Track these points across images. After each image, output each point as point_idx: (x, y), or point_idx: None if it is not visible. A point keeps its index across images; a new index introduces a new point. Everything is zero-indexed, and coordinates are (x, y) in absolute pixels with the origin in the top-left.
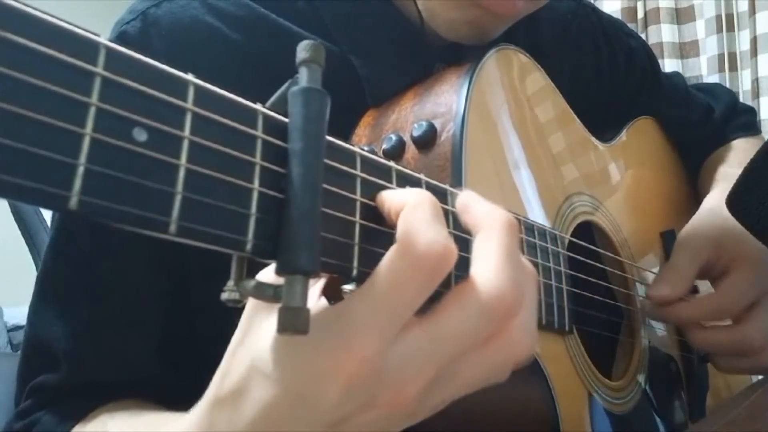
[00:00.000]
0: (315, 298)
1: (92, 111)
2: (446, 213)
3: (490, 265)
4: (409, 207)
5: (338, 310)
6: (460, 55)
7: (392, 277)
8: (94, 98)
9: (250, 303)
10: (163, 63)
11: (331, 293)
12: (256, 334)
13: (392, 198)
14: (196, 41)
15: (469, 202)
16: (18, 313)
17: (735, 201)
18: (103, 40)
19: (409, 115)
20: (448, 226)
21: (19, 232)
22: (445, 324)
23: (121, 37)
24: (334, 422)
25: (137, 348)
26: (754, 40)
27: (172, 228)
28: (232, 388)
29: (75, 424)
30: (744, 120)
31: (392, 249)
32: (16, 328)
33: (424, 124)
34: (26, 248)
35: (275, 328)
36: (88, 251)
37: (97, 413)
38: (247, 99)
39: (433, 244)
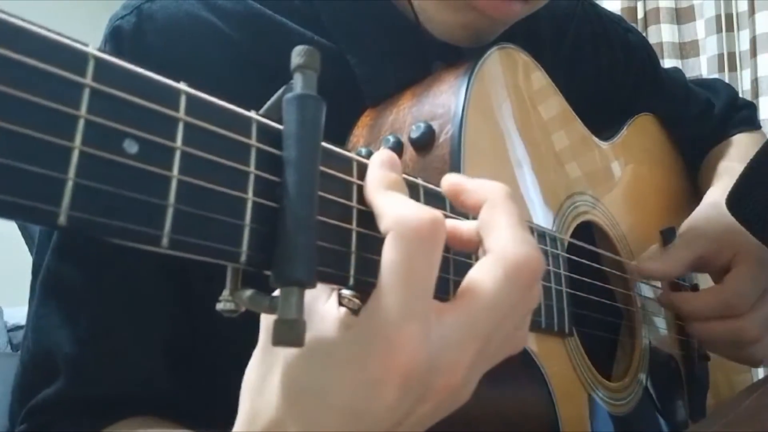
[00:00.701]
0: (335, 310)
1: (81, 123)
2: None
3: (508, 233)
4: (380, 193)
5: (367, 315)
6: (460, 53)
7: (399, 261)
8: (83, 110)
9: (262, 339)
10: (157, 59)
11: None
12: (280, 367)
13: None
14: (191, 37)
15: (460, 184)
16: (18, 313)
17: (735, 201)
18: (92, 49)
19: (407, 116)
20: None
21: (19, 232)
22: (479, 298)
23: (115, 33)
24: (389, 428)
25: (143, 354)
26: (753, 40)
27: (165, 241)
28: (265, 427)
29: None
30: (744, 115)
31: (386, 239)
32: (16, 328)
33: (422, 125)
34: (26, 248)
35: (300, 355)
36: (94, 255)
37: None
38: (242, 96)
39: (421, 216)
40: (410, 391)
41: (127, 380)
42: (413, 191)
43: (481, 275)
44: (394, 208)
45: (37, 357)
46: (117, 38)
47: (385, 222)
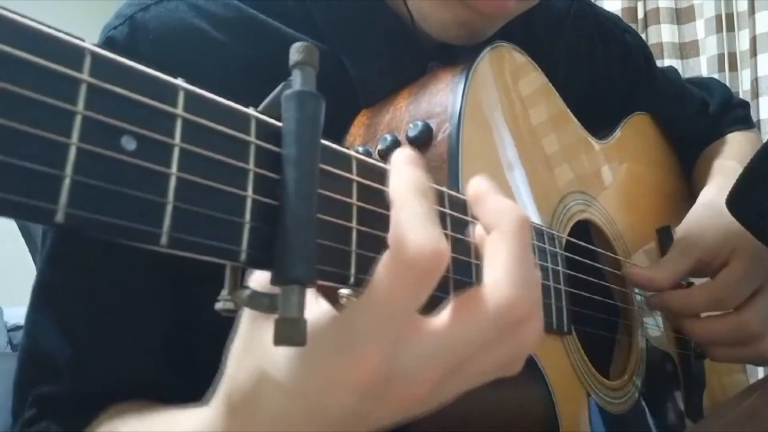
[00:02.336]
0: (313, 301)
1: (78, 120)
2: (443, 216)
3: (503, 271)
4: (396, 206)
5: (341, 322)
6: (455, 53)
7: (387, 283)
8: (80, 106)
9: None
10: (151, 68)
11: (327, 291)
12: (260, 341)
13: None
14: (184, 45)
15: (482, 194)
16: (18, 313)
17: (735, 201)
18: (89, 44)
19: (404, 115)
20: (445, 228)
21: (19, 232)
22: (455, 331)
23: (108, 43)
24: (349, 423)
25: (139, 355)
26: (753, 40)
27: (164, 240)
28: (244, 395)
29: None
30: (738, 114)
31: (385, 254)
32: (16, 328)
33: (420, 124)
34: (26, 248)
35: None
36: (85, 260)
37: (106, 416)
38: (237, 101)
39: (423, 246)
40: (369, 398)
41: (122, 380)
42: None
43: (467, 306)
44: (403, 225)
45: (34, 359)
46: (110, 48)
47: (390, 235)
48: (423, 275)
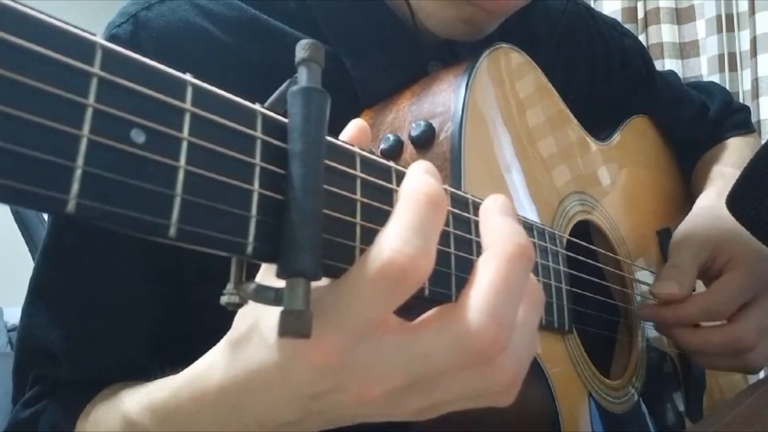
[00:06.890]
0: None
1: (89, 112)
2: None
3: (480, 297)
4: (395, 209)
5: (314, 302)
6: (456, 53)
7: (355, 284)
8: (91, 99)
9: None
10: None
11: None
12: (257, 322)
13: None
14: (186, 44)
15: (490, 211)
16: (18, 313)
17: (735, 201)
18: (100, 39)
19: (407, 115)
20: (447, 226)
21: (19, 232)
22: (418, 342)
23: (112, 41)
24: (309, 396)
25: (134, 348)
26: (754, 40)
27: (172, 231)
28: (239, 337)
29: (83, 408)
30: (738, 118)
31: (365, 252)
32: (17, 328)
33: (422, 123)
34: (26, 248)
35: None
36: (78, 256)
37: (109, 391)
38: None
39: (397, 258)
40: (323, 378)
41: (119, 371)
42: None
43: (431, 324)
44: (389, 229)
45: (31, 349)
46: None
47: (377, 235)
48: (393, 284)
